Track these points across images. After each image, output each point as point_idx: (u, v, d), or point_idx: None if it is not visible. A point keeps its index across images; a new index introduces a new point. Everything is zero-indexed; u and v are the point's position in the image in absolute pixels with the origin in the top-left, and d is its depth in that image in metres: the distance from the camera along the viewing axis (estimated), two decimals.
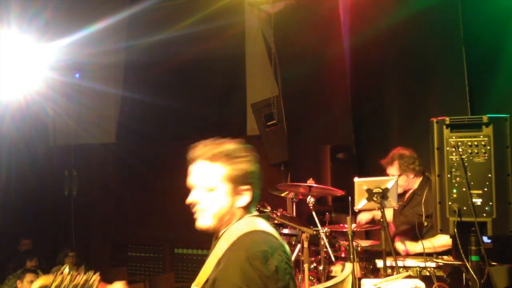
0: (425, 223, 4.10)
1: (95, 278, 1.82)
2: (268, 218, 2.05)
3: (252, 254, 1.80)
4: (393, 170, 4.38)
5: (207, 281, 1.92)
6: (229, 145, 1.98)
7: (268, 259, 1.81)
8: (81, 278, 1.81)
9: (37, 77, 6.56)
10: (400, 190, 4.16)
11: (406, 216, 4.40)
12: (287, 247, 1.99)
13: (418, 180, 4.39)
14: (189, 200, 1.98)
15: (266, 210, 4.47)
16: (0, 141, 7.20)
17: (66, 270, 1.77)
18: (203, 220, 1.96)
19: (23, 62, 6.26)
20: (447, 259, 3.94)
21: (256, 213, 2.05)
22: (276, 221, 4.51)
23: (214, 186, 1.94)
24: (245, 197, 1.97)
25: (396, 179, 3.93)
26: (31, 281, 5.67)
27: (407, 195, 4.44)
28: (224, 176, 1.94)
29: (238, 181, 1.95)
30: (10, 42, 6.02)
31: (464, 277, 3.78)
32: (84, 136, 8.21)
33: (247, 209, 1.99)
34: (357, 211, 4.21)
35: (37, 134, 8.02)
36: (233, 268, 1.81)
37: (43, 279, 1.78)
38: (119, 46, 7.57)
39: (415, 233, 4.07)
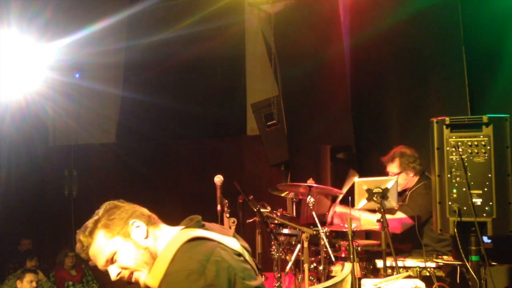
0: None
1: None
2: (198, 224, 1.99)
3: (188, 271, 1.77)
4: (393, 167, 4.40)
5: None
6: (89, 223, 1.95)
7: (205, 268, 1.77)
8: None
9: (37, 77, 6.56)
10: (398, 189, 4.16)
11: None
12: (229, 241, 1.95)
13: (416, 179, 4.41)
14: (113, 279, 1.93)
15: (266, 210, 4.47)
16: (0, 141, 7.19)
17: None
18: (143, 278, 1.91)
19: (23, 62, 6.25)
20: (447, 259, 3.94)
21: (176, 228, 2.01)
22: (276, 221, 4.51)
23: (112, 252, 1.91)
24: (140, 228, 1.95)
25: (396, 179, 3.93)
26: (31, 281, 5.67)
27: (406, 194, 4.44)
28: (106, 236, 1.92)
29: (119, 229, 1.93)
30: (10, 42, 6.02)
31: (462, 277, 3.79)
32: (84, 136, 8.21)
33: (151, 231, 1.96)
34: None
35: (37, 134, 8.02)
36: None
37: None
38: (119, 46, 7.57)
39: (414, 231, 4.07)
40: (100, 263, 1.93)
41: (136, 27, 7.64)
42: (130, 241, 1.92)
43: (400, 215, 4.22)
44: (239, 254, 1.95)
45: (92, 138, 8.17)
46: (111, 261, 1.91)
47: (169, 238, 1.94)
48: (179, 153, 7.81)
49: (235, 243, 1.98)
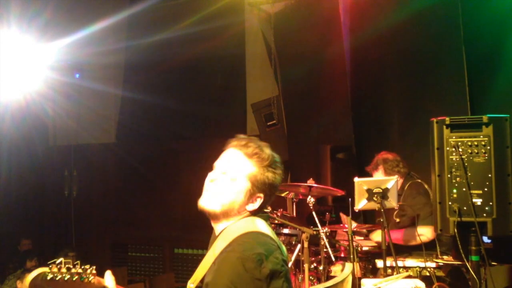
0: (397, 220, 4.11)
1: (91, 270, 1.83)
2: (267, 218, 2.05)
3: (247, 256, 1.80)
4: (378, 175, 4.41)
5: (203, 279, 1.92)
6: (268, 151, 2.03)
7: (263, 262, 1.80)
8: (77, 269, 1.82)
9: (37, 77, 6.56)
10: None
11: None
12: (284, 249, 2.00)
13: (401, 181, 4.41)
14: (210, 177, 1.99)
15: (266, 211, 4.46)
16: (0, 141, 7.19)
17: (62, 260, 1.79)
18: (211, 202, 1.96)
19: (23, 62, 6.25)
20: (447, 259, 3.94)
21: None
22: (276, 221, 4.51)
23: (238, 178, 1.96)
24: (256, 203, 1.99)
25: (396, 179, 3.92)
26: None
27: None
28: (251, 175, 1.96)
29: (259, 186, 1.97)
30: (10, 42, 6.02)
31: (462, 277, 3.78)
32: (84, 136, 8.21)
33: (252, 214, 2.00)
34: (357, 211, 4.20)
35: (37, 134, 8.02)
36: (225, 269, 1.80)
37: (41, 269, 1.80)
38: (119, 46, 7.57)
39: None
40: (222, 165, 1.99)
41: (136, 27, 7.63)
42: (244, 197, 1.95)
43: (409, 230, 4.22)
44: (287, 263, 1.98)
45: (92, 138, 8.17)
46: (228, 174, 1.96)
47: (245, 220, 1.98)
48: (179, 153, 7.80)
49: (284, 250, 2.01)
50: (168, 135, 7.75)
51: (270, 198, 2.03)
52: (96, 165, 8.24)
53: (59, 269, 1.81)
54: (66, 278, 1.80)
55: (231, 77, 7.48)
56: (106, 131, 8.16)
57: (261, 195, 1.98)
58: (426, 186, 4.26)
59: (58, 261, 1.80)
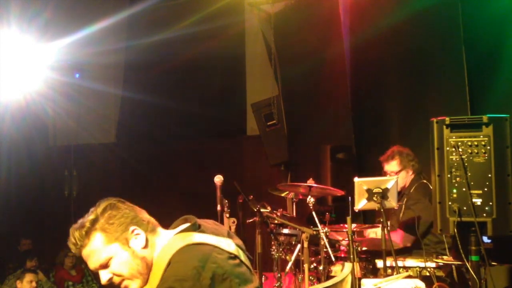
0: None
1: None
2: (195, 227, 1.94)
3: (182, 276, 1.74)
4: (393, 165, 4.38)
5: None
6: (87, 219, 1.91)
7: (200, 274, 1.74)
8: None
9: (37, 77, 6.56)
10: (398, 188, 4.14)
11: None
12: (224, 243, 1.91)
13: (412, 178, 4.40)
14: (103, 282, 1.88)
15: (266, 210, 4.46)
16: (0, 141, 7.19)
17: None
18: (133, 287, 1.87)
19: (23, 62, 6.26)
20: (447, 259, 3.94)
21: (179, 226, 1.98)
22: (276, 221, 4.51)
23: (107, 257, 1.85)
24: (140, 237, 1.89)
25: (396, 179, 3.92)
26: (31, 281, 5.67)
27: (402, 197, 4.43)
28: (104, 241, 1.86)
29: (119, 233, 1.87)
30: (10, 42, 6.02)
31: (462, 277, 3.78)
32: (84, 136, 8.21)
33: (151, 239, 1.91)
34: (357, 211, 4.20)
35: (37, 134, 8.02)
36: None
37: None
38: (119, 46, 7.57)
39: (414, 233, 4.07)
40: (93, 265, 1.88)
41: (136, 27, 7.64)
42: (128, 249, 1.86)
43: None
44: (234, 257, 1.91)
45: (92, 138, 8.17)
46: (105, 265, 1.86)
47: (164, 242, 1.90)
48: (179, 153, 7.80)
49: (230, 244, 1.94)
50: (168, 135, 7.75)
51: (137, 217, 1.93)
52: (96, 165, 8.24)
53: None
54: None
55: (231, 77, 7.49)
56: (106, 131, 8.17)
57: (131, 229, 1.89)
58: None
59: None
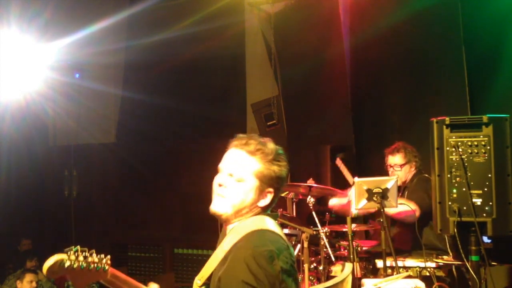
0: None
1: (106, 260, 1.86)
2: (276, 217, 2.06)
3: (259, 252, 1.81)
4: (398, 158, 4.39)
5: (211, 275, 1.93)
6: (270, 145, 2.01)
7: (274, 259, 1.81)
8: (94, 258, 1.84)
9: (37, 77, 6.56)
10: (398, 182, 4.13)
11: None
12: (292, 249, 2.00)
13: (412, 174, 4.41)
14: (216, 181, 2.00)
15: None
16: (0, 141, 7.19)
17: (78, 247, 1.80)
18: (221, 206, 1.97)
19: (23, 62, 6.25)
20: (447, 259, 3.94)
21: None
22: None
23: (244, 177, 1.95)
24: (267, 199, 1.99)
25: (396, 178, 3.92)
26: (31, 281, 5.67)
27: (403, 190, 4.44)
28: (257, 171, 1.96)
29: (267, 181, 1.97)
30: (10, 42, 6.02)
31: (462, 277, 3.79)
32: (84, 136, 8.20)
33: (264, 210, 2.01)
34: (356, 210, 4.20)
35: (37, 134, 8.02)
36: (239, 265, 1.81)
37: (58, 256, 1.80)
38: (119, 46, 7.56)
39: (411, 227, 4.06)
40: (227, 166, 1.99)
41: (136, 27, 7.63)
42: (255, 195, 1.95)
43: (403, 207, 4.18)
44: (295, 264, 1.99)
45: (92, 138, 8.17)
46: (233, 176, 1.96)
47: (255, 218, 1.98)
48: (179, 153, 7.80)
49: (293, 252, 2.02)
50: (168, 135, 7.75)
51: (279, 191, 2.03)
52: (96, 165, 8.24)
53: (77, 257, 1.81)
54: (82, 267, 1.81)
55: (231, 77, 7.48)
56: (106, 131, 8.16)
57: (271, 189, 1.99)
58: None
59: (75, 248, 1.80)
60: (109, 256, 1.88)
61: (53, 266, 1.78)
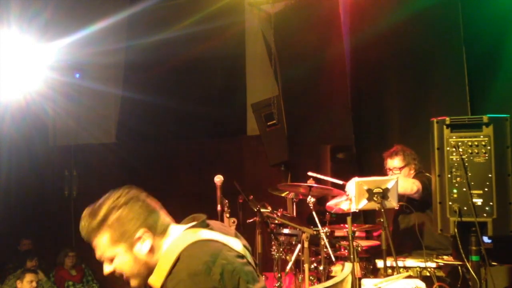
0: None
1: None
2: (204, 224, 1.97)
3: (193, 271, 1.76)
4: (396, 161, 4.41)
5: None
6: (100, 210, 1.93)
7: (211, 269, 1.76)
8: None
9: (37, 77, 6.56)
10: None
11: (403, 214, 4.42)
12: (233, 242, 1.94)
13: (412, 175, 4.41)
14: (105, 273, 1.94)
15: (266, 210, 4.47)
16: (0, 141, 7.19)
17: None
18: (132, 283, 1.93)
19: (23, 62, 6.25)
20: (447, 259, 3.95)
21: (189, 223, 1.98)
22: (276, 221, 4.51)
23: (111, 255, 1.90)
24: (145, 242, 1.90)
25: (396, 179, 3.92)
26: (31, 281, 5.67)
27: None
28: (110, 242, 1.89)
29: (127, 235, 1.88)
30: (10, 42, 6.02)
31: (462, 277, 3.79)
32: (84, 136, 8.20)
33: (153, 249, 1.91)
34: (357, 211, 4.20)
35: (37, 134, 8.01)
36: None
37: None
38: (119, 46, 7.56)
39: (414, 230, 4.07)
40: (98, 256, 1.94)
41: (136, 27, 7.63)
42: (131, 254, 1.89)
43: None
44: (242, 256, 1.93)
45: (92, 138, 8.17)
46: (108, 260, 1.92)
47: (174, 237, 1.92)
48: (179, 153, 7.80)
49: (238, 244, 1.97)
50: (168, 135, 7.75)
51: (146, 222, 1.91)
52: (96, 165, 8.23)
53: None
54: None
55: (231, 77, 7.48)
56: (106, 131, 8.16)
57: (138, 234, 1.89)
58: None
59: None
60: None
61: None
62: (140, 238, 1.89)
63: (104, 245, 1.90)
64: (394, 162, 4.43)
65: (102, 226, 1.90)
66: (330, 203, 4.54)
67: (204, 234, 1.92)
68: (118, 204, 1.92)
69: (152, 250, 1.91)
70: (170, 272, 1.82)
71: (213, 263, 1.78)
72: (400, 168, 4.38)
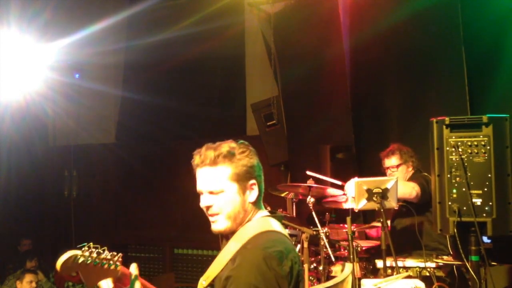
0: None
1: (118, 257, 1.88)
2: (281, 219, 2.07)
3: (269, 253, 1.82)
4: (393, 160, 4.41)
5: (216, 277, 1.94)
6: (226, 146, 1.99)
7: (283, 260, 1.83)
8: (106, 255, 1.86)
9: (37, 77, 6.56)
10: None
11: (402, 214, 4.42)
12: (296, 250, 2.05)
13: (411, 173, 4.41)
14: (202, 205, 1.99)
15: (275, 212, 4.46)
16: (0, 141, 7.19)
17: (91, 244, 1.82)
18: (219, 224, 1.98)
19: (23, 62, 6.26)
20: (447, 259, 3.94)
21: (268, 212, 2.07)
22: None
23: (222, 188, 1.95)
24: (254, 192, 2.00)
25: (396, 179, 3.92)
26: (31, 282, 5.67)
27: None
28: (229, 176, 1.95)
29: (243, 178, 1.97)
30: (10, 42, 6.02)
31: (462, 277, 3.79)
32: (84, 136, 8.20)
33: (256, 203, 2.02)
34: (356, 211, 4.20)
35: (37, 134, 8.02)
36: (249, 267, 1.82)
37: (72, 252, 1.83)
38: (119, 46, 7.57)
39: (413, 230, 4.06)
40: (203, 185, 1.97)
41: (136, 27, 7.63)
42: (241, 196, 1.96)
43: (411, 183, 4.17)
44: (301, 263, 2.01)
45: (92, 138, 8.17)
46: (213, 193, 1.95)
47: (257, 216, 1.99)
48: (179, 153, 7.80)
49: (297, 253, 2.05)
50: (168, 135, 7.74)
51: (260, 177, 2.03)
52: (96, 165, 8.24)
53: (90, 253, 1.83)
54: (95, 263, 1.83)
55: (231, 77, 7.48)
56: (106, 131, 8.16)
57: (252, 181, 1.99)
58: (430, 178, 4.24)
59: (88, 244, 1.82)
60: (120, 254, 1.89)
61: (67, 262, 1.80)
62: (252, 185, 1.98)
63: (221, 176, 1.94)
64: (391, 161, 4.43)
65: (225, 160, 1.95)
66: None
67: (277, 227, 2.00)
68: (242, 151, 1.99)
69: (255, 202, 2.00)
70: (247, 243, 1.89)
71: (286, 256, 1.86)
72: (397, 166, 4.38)
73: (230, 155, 1.96)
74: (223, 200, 1.95)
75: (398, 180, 3.95)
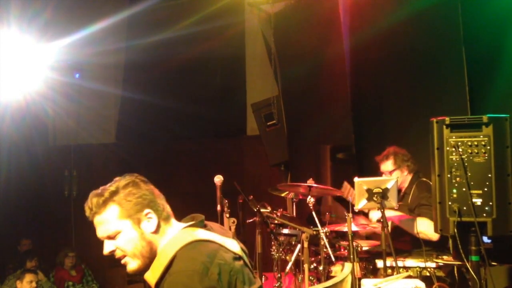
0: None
1: None
2: (202, 224, 1.99)
3: (191, 271, 1.77)
4: (388, 165, 4.41)
5: None
6: (108, 187, 1.98)
7: (209, 269, 1.77)
8: None
9: (37, 77, 6.56)
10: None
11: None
12: (229, 243, 1.95)
13: (410, 177, 4.41)
14: (105, 252, 1.94)
15: (266, 210, 4.46)
16: (0, 141, 7.19)
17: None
18: (131, 265, 1.93)
19: (23, 62, 6.25)
20: (447, 259, 3.94)
21: (186, 223, 2.00)
22: (276, 221, 4.51)
23: (116, 229, 1.91)
24: (152, 221, 1.93)
25: (396, 179, 3.92)
26: (31, 282, 5.67)
27: (401, 195, 4.44)
28: (118, 215, 1.91)
29: (133, 212, 1.92)
30: (10, 42, 6.02)
31: (462, 277, 3.78)
32: (84, 136, 8.21)
33: (161, 228, 1.94)
34: (356, 211, 4.20)
35: (37, 134, 8.02)
36: None
37: None
38: (119, 46, 7.57)
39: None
40: (100, 233, 1.94)
41: (136, 27, 7.63)
42: (138, 230, 1.91)
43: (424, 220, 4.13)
44: (239, 257, 1.95)
45: (92, 138, 8.17)
46: (111, 237, 1.92)
47: (172, 235, 1.94)
48: (179, 153, 7.80)
49: (235, 245, 1.98)
50: (168, 135, 7.75)
51: (154, 202, 1.97)
52: (96, 165, 8.23)
53: None
54: None
55: (231, 77, 7.48)
56: (106, 131, 8.17)
57: (146, 211, 1.93)
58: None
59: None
60: None
61: None
62: (147, 214, 1.93)
63: (110, 219, 1.91)
64: (386, 166, 4.43)
65: (110, 201, 1.93)
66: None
67: (201, 234, 1.93)
68: (125, 185, 1.97)
69: (157, 231, 1.93)
70: (166, 271, 1.83)
71: (211, 263, 1.79)
72: (391, 172, 4.37)
73: (113, 194, 1.93)
74: (122, 241, 1.90)
75: (426, 220, 3.94)
